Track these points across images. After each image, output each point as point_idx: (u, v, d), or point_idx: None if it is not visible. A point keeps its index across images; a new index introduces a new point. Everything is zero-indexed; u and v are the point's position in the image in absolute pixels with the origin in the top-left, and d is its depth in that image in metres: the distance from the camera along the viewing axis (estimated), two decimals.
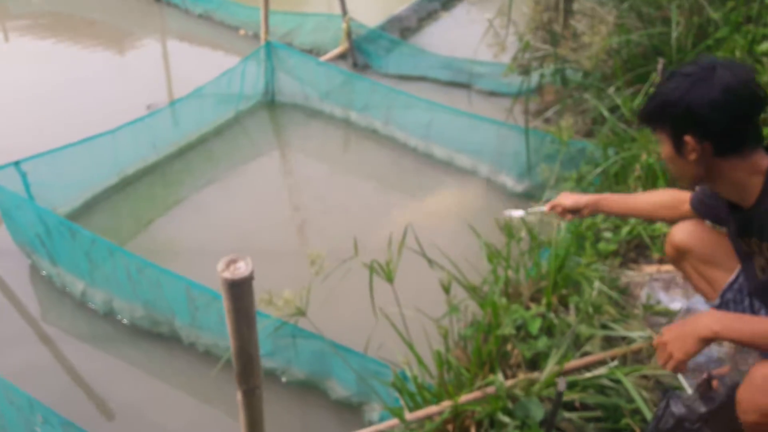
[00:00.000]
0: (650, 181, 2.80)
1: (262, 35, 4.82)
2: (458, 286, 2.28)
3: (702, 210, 1.82)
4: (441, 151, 4.28)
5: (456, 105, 4.92)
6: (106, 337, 3.02)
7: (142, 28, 6.46)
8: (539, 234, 2.71)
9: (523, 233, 2.47)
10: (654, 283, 2.52)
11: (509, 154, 3.93)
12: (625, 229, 2.70)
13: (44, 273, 3.28)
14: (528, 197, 3.89)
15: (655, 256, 2.68)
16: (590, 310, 2.10)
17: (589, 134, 3.63)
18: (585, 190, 3.08)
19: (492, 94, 5.14)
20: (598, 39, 3.03)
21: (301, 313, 2.12)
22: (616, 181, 2.92)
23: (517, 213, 2.27)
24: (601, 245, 2.75)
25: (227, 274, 1.32)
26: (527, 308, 2.24)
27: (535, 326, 2.04)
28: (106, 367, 2.89)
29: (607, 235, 2.74)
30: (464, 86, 5.27)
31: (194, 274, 3.28)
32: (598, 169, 2.84)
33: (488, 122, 3.97)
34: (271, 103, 4.94)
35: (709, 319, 1.44)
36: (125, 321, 3.03)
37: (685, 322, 1.49)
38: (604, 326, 2.11)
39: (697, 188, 1.82)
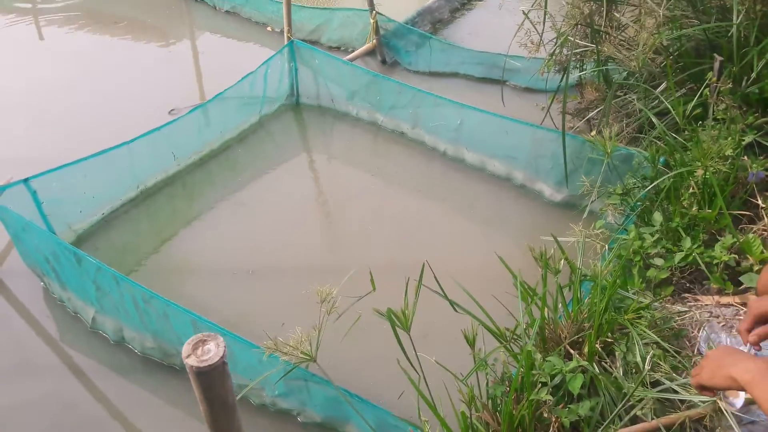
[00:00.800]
0: (706, 199, 2.48)
1: (285, 33, 4.59)
2: (486, 330, 2.02)
3: None
4: (472, 156, 3.99)
5: (489, 102, 4.64)
6: (120, 366, 2.88)
7: (170, 25, 6.31)
8: (578, 258, 2.43)
9: (562, 264, 2.18)
10: (714, 321, 2.21)
11: (546, 160, 3.63)
12: (678, 256, 2.38)
13: (56, 296, 3.16)
14: (568, 208, 3.59)
15: (714, 286, 2.36)
16: (640, 363, 1.82)
17: (634, 140, 3.30)
18: (633, 207, 2.77)
19: (527, 90, 4.83)
20: (645, 35, 2.68)
21: (311, 359, 1.92)
22: (666, 196, 2.60)
23: (736, 402, 1.59)
24: (651, 272, 2.44)
25: (193, 361, 1.11)
26: (566, 356, 1.97)
27: (576, 385, 1.77)
28: (119, 397, 2.75)
29: (658, 261, 2.43)
30: (498, 82, 4.96)
31: (211, 296, 3.15)
32: (649, 186, 2.51)
33: (523, 125, 3.66)
34: (296, 106, 4.73)
35: (754, 365, 1.27)
36: (137, 351, 2.88)
37: (735, 352, 1.38)
38: (656, 383, 1.82)
39: None
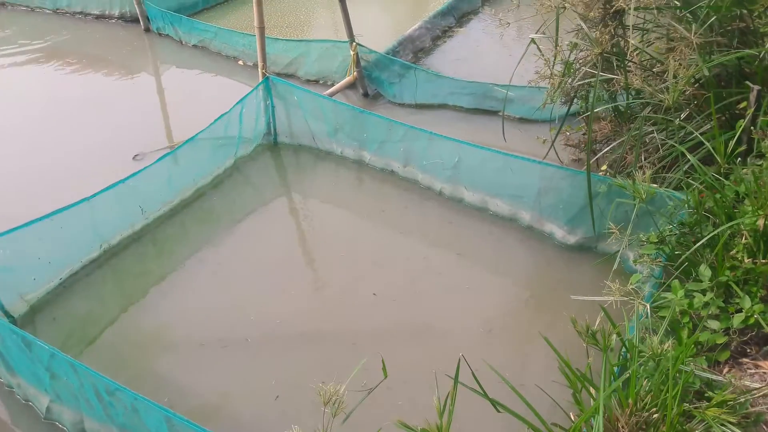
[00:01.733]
0: (762, 249, 2.16)
1: (260, 69, 4.23)
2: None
3: None
4: (472, 196, 3.65)
5: (482, 135, 4.35)
6: None
7: (133, 61, 5.90)
8: (625, 328, 2.08)
9: (614, 339, 1.83)
10: None
11: (556, 199, 3.30)
12: (738, 318, 2.05)
13: (2, 381, 2.69)
14: (583, 251, 3.26)
15: None
16: None
17: (657, 175, 2.98)
18: (669, 256, 2.44)
19: (522, 120, 4.54)
20: (674, 64, 2.38)
21: None
22: (711, 246, 2.28)
23: None
24: (705, 336, 2.10)
25: None
26: None
27: None
28: None
29: (713, 324, 2.09)
30: (489, 113, 4.67)
31: (187, 373, 2.72)
32: (702, 241, 2.17)
33: (529, 162, 3.34)
34: (273, 146, 4.35)
35: None
36: None
37: None
38: None
39: None
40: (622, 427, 1.75)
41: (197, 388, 2.64)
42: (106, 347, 2.86)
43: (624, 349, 1.90)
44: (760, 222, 2.03)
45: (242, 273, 3.28)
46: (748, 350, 2.16)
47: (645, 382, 1.81)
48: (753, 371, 2.08)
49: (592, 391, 1.86)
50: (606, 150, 3.24)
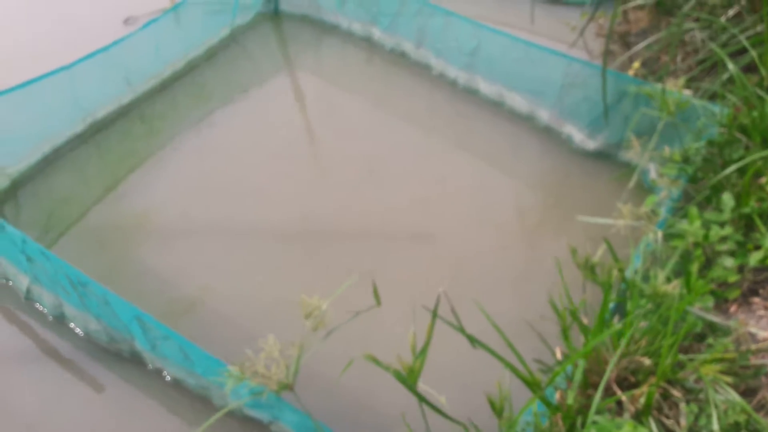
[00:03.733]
0: None
1: None
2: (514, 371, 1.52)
3: None
4: (489, 88, 3.34)
5: (507, 15, 3.91)
6: (59, 347, 2.40)
7: None
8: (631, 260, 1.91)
9: (615, 274, 1.66)
10: None
11: (580, 98, 3.00)
12: (755, 256, 1.86)
13: None
14: (601, 159, 3.01)
15: None
16: (715, 431, 1.35)
17: (693, 81, 2.65)
18: (692, 178, 2.21)
19: (555, 2, 4.07)
20: None
21: (287, 387, 1.49)
22: (740, 173, 2.03)
23: None
24: (716, 272, 1.93)
25: None
26: (613, 397, 1.49)
27: None
28: (57, 385, 2.30)
29: (727, 261, 1.90)
30: None
31: (168, 261, 2.62)
32: (731, 167, 1.92)
33: (555, 55, 2.99)
34: (275, 15, 3.98)
35: None
36: (79, 331, 2.40)
37: None
38: None
39: None
40: (611, 370, 1.63)
41: (177, 278, 2.55)
42: (88, 229, 2.76)
43: (623, 285, 1.74)
44: None
45: (236, 157, 3.10)
46: (760, 290, 1.98)
47: (643, 324, 1.67)
48: (762, 313, 1.92)
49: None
50: (641, 45, 2.88)
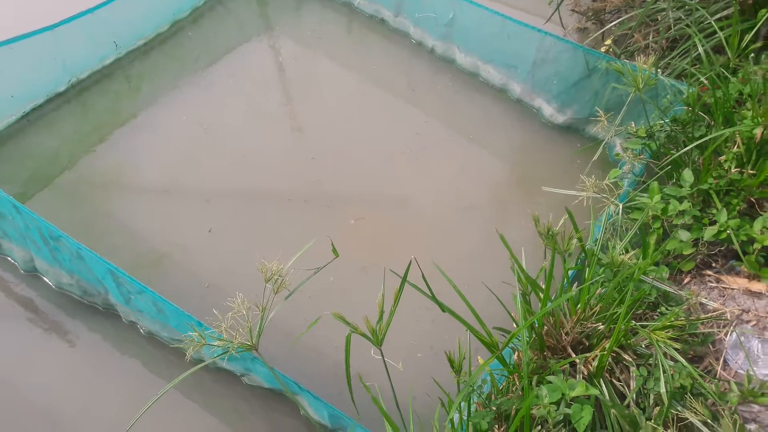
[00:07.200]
0: (752, 161, 2.01)
1: None
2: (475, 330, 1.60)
3: None
4: (464, 59, 3.38)
5: None
6: (33, 300, 2.42)
7: None
8: (591, 230, 1.99)
9: (574, 244, 1.74)
10: (744, 319, 1.83)
11: (551, 73, 3.05)
12: (709, 231, 1.95)
13: None
14: (571, 132, 3.08)
15: (745, 269, 1.97)
16: (665, 396, 1.45)
17: (662, 59, 2.73)
18: (655, 153, 2.29)
19: None
20: None
21: (251, 347, 1.53)
22: (700, 150, 2.12)
23: None
24: (672, 244, 2.03)
25: None
26: (568, 358, 1.58)
27: (583, 423, 1.40)
28: (31, 338, 2.32)
29: (683, 235, 2.00)
30: None
31: (142, 217, 2.64)
32: (692, 144, 2.00)
33: (529, 29, 3.03)
34: None
35: None
36: (52, 284, 2.42)
37: None
38: (682, 423, 1.47)
39: None
40: (567, 334, 1.72)
41: (150, 234, 2.58)
42: (67, 185, 2.76)
43: (583, 254, 1.82)
44: (758, 132, 1.86)
45: (216, 119, 3.09)
46: (713, 263, 2.09)
47: (599, 290, 1.76)
48: (713, 285, 2.03)
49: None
50: (614, 23, 2.93)
